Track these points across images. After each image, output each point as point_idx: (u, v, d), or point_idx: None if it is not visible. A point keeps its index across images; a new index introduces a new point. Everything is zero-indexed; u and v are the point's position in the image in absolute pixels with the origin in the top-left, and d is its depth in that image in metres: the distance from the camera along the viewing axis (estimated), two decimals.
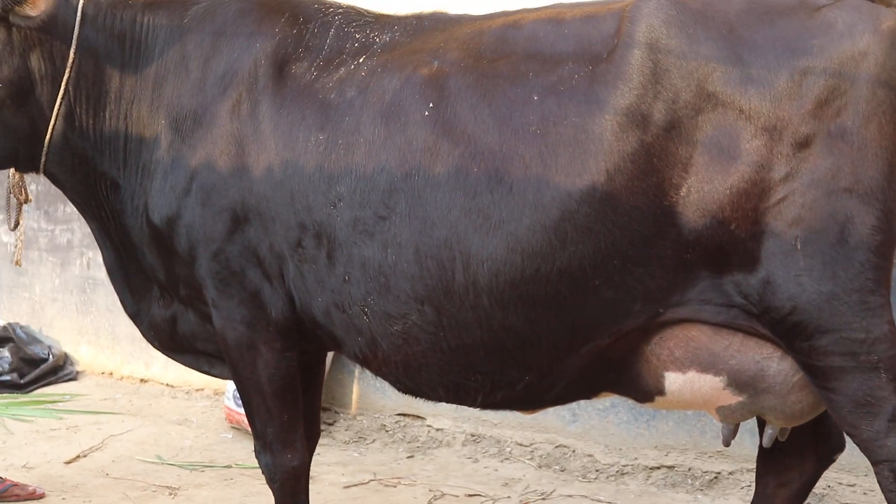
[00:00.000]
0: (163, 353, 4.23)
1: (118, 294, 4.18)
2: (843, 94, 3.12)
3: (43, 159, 3.89)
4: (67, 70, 3.81)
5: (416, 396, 3.75)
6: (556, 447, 5.99)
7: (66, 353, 8.01)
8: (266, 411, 3.85)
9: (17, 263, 4.95)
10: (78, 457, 6.17)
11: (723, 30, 3.23)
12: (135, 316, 4.15)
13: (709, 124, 3.18)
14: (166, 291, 3.99)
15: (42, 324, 8.24)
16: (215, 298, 3.75)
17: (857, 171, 3.11)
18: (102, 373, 7.94)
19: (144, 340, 7.29)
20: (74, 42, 3.82)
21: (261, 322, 3.71)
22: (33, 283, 8.24)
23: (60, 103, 3.82)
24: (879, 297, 3.14)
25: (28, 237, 8.04)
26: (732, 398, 3.39)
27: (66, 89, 3.82)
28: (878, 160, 3.13)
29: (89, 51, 3.84)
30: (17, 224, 4.68)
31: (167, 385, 7.59)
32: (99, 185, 3.94)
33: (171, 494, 5.56)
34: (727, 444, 3.69)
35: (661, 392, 3.42)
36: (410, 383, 3.64)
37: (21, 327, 8.09)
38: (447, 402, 3.70)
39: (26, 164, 3.95)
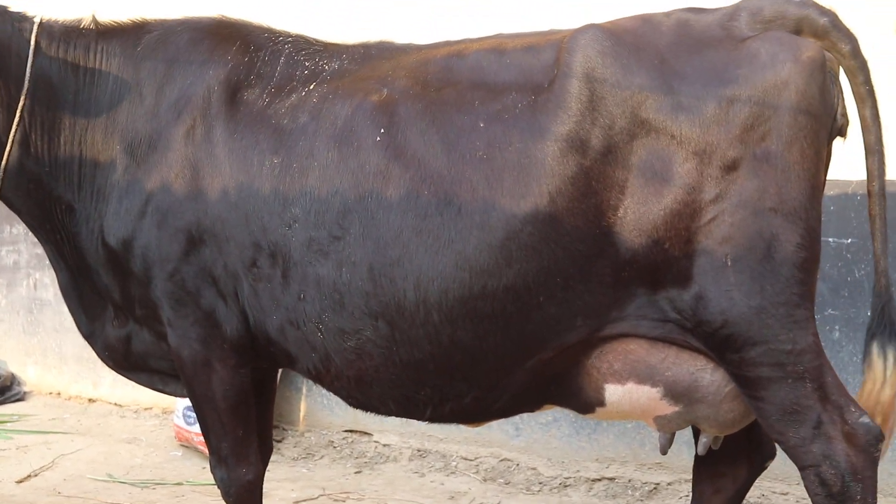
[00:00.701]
0: (117, 371, 4.30)
1: (72, 315, 4.27)
2: (766, 120, 3.30)
3: None
4: (22, 97, 3.91)
5: (367, 410, 3.87)
6: (501, 461, 6.13)
7: (13, 374, 8.03)
8: (221, 427, 3.96)
9: None
10: (29, 476, 6.22)
11: (655, 60, 3.40)
12: (89, 336, 4.24)
13: (643, 149, 3.35)
14: (121, 311, 4.08)
15: None
16: (171, 318, 3.86)
17: (781, 192, 3.29)
18: (50, 393, 7.98)
19: (91, 360, 7.40)
20: (28, 70, 3.92)
21: (215, 340, 3.83)
22: None
23: (16, 130, 3.92)
24: (804, 310, 3.32)
25: None
26: (669, 408, 3.55)
27: (20, 116, 3.92)
28: (801, 182, 3.31)
29: (43, 78, 3.95)
30: None
31: (115, 404, 7.64)
32: (54, 209, 4.03)
33: None
34: (664, 452, 3.85)
35: (602, 403, 3.58)
36: (362, 397, 3.77)
37: None
38: (397, 415, 3.83)
39: None
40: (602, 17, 3.71)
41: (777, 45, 3.37)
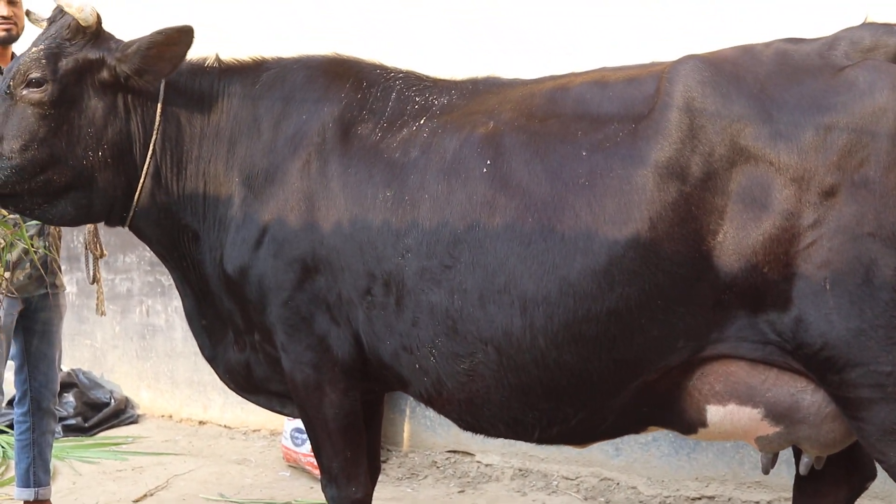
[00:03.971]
0: (238, 394, 4.51)
1: (196, 338, 4.49)
2: (864, 146, 3.36)
3: (131, 214, 4.24)
4: (155, 132, 4.18)
5: (477, 433, 4.01)
6: (601, 480, 6.22)
7: (126, 398, 8.31)
8: (331, 447, 4.14)
9: (101, 314, 5.27)
10: (145, 495, 6.46)
11: (754, 89, 3.50)
12: (212, 359, 4.46)
13: (742, 176, 3.44)
14: (240, 336, 4.29)
15: (104, 369, 8.54)
16: (284, 343, 4.05)
17: (879, 217, 3.34)
18: (162, 416, 8.23)
19: (202, 384, 7.69)
20: (160, 106, 4.19)
21: (327, 364, 4.01)
22: (94, 330, 8.55)
23: (149, 163, 4.18)
24: None
25: (89, 286, 8.36)
26: (770, 429, 3.63)
27: (153, 150, 4.18)
28: None
29: (172, 114, 4.21)
30: (95, 278, 5.03)
31: (225, 426, 7.87)
32: (182, 238, 4.28)
33: None
34: (766, 472, 3.91)
35: (704, 424, 3.67)
36: (472, 420, 3.91)
37: (84, 373, 8.38)
38: (506, 437, 3.96)
39: (115, 218, 4.30)
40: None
41: (875, 73, 3.43)
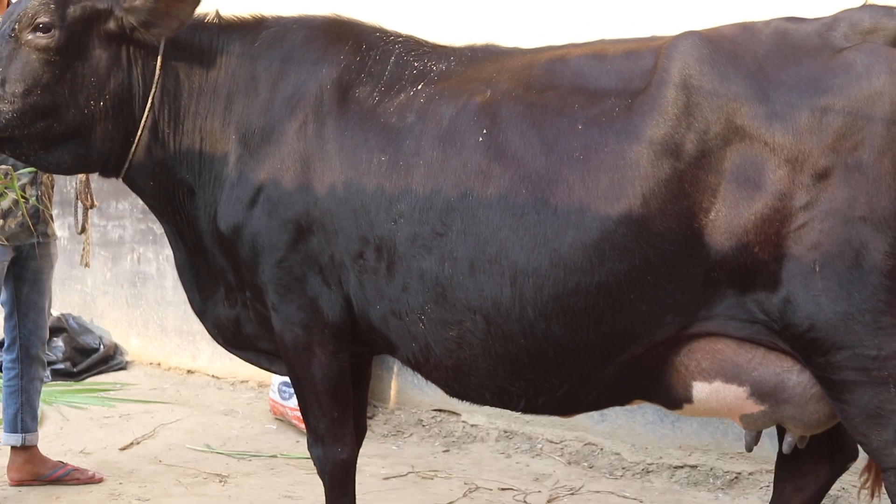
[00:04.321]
0: (226, 349, 4.52)
1: (186, 292, 4.49)
2: (859, 130, 3.35)
3: (126, 165, 4.22)
4: (154, 86, 4.15)
5: (464, 400, 4.02)
6: (585, 445, 6.27)
7: (116, 344, 8.36)
8: (319, 408, 4.15)
9: (86, 265, 5.28)
10: (132, 444, 6.52)
11: (751, 68, 3.48)
12: (201, 314, 4.46)
13: (736, 155, 3.43)
14: (231, 293, 4.30)
15: (93, 315, 8.58)
16: (276, 302, 4.05)
17: (871, 202, 3.33)
18: (150, 363, 8.28)
19: (191, 333, 7.71)
20: (160, 60, 4.16)
21: (317, 326, 4.02)
22: (85, 276, 8.56)
23: (147, 116, 4.16)
24: (891, 317, 3.36)
25: None
26: (755, 407, 3.64)
27: (152, 103, 4.16)
28: (891, 191, 3.35)
29: (171, 69, 4.18)
30: (83, 228, 5.03)
31: (213, 376, 7.92)
32: (176, 192, 4.26)
33: (220, 482, 5.90)
34: (749, 449, 3.94)
35: (689, 400, 3.68)
36: (459, 387, 3.92)
37: (73, 318, 8.42)
38: (492, 405, 3.96)
39: (111, 169, 4.28)
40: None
41: (873, 57, 3.41)
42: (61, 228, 8.38)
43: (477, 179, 3.66)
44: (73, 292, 8.70)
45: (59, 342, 7.97)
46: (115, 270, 8.43)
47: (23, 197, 5.26)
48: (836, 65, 3.44)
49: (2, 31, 4.04)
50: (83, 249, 5.30)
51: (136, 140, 4.17)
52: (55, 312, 8.42)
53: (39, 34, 3.98)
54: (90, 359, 8.03)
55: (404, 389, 6.93)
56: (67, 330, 8.16)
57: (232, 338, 4.42)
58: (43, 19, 3.97)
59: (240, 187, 4.06)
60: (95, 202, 5.11)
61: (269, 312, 4.13)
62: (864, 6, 3.62)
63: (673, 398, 3.72)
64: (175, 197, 4.27)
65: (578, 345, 3.62)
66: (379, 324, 3.92)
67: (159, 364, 8.23)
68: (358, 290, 3.91)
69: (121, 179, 4.32)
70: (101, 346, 8.16)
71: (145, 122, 4.16)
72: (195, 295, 4.45)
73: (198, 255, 4.35)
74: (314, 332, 4.03)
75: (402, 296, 3.81)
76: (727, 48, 3.55)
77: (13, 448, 5.78)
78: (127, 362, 8.30)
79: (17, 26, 4.00)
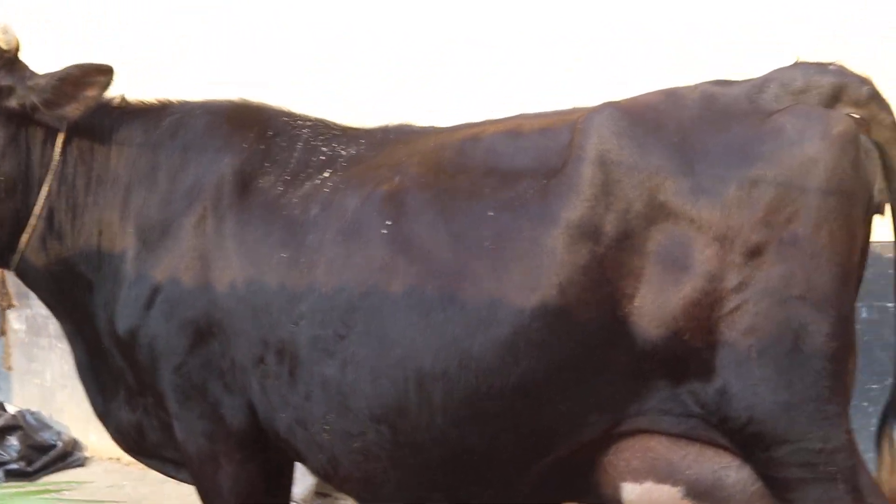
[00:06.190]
0: (130, 455, 4.24)
1: (87, 394, 4.21)
2: (793, 201, 3.10)
3: (17, 256, 3.95)
4: (51, 172, 3.91)
5: None
6: None
7: (75, 439, 8.08)
8: None
9: (7, 369, 5.00)
10: None
11: (675, 138, 3.22)
12: (104, 416, 4.17)
13: (661, 235, 3.16)
14: (133, 397, 4.00)
15: (52, 410, 8.32)
16: (176, 411, 3.77)
17: (810, 278, 3.09)
18: (110, 458, 7.98)
19: None
20: (60, 144, 3.92)
21: (221, 435, 3.72)
22: (44, 369, 8.31)
23: (43, 204, 3.90)
24: (836, 405, 3.12)
25: (38, 324, 8.14)
26: None
27: (49, 190, 3.90)
28: (832, 266, 3.11)
29: (71, 154, 3.94)
30: (2, 331, 4.76)
31: None
32: (74, 287, 3.98)
33: None
34: None
35: (619, 502, 3.39)
36: (372, 499, 3.63)
37: (31, 413, 8.16)
38: None
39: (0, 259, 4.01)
40: None
41: (805, 120, 3.16)
42: (19, 321, 8.14)
43: (381, 276, 3.39)
44: (32, 386, 8.45)
45: (13, 441, 7.71)
46: (73, 363, 8.15)
47: None
48: (766, 130, 3.20)
49: None
50: (4, 352, 5.02)
51: (32, 229, 3.91)
52: (13, 408, 8.17)
53: None
54: (47, 456, 7.76)
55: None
56: (24, 427, 7.89)
57: (135, 444, 4.13)
58: None
59: (137, 286, 3.79)
60: (14, 302, 4.84)
61: (171, 420, 3.84)
62: (796, 64, 3.37)
63: (602, 500, 3.43)
64: (73, 292, 4.00)
65: (496, 450, 3.35)
66: (285, 433, 3.63)
67: (119, 459, 7.92)
68: (261, 396, 3.63)
69: (13, 272, 4.06)
70: (60, 443, 7.89)
71: (42, 210, 3.90)
72: (97, 397, 4.17)
73: (99, 356, 4.07)
74: (218, 441, 3.74)
75: (305, 404, 3.52)
76: (648, 118, 3.30)
77: None
78: (86, 458, 8.02)
79: None
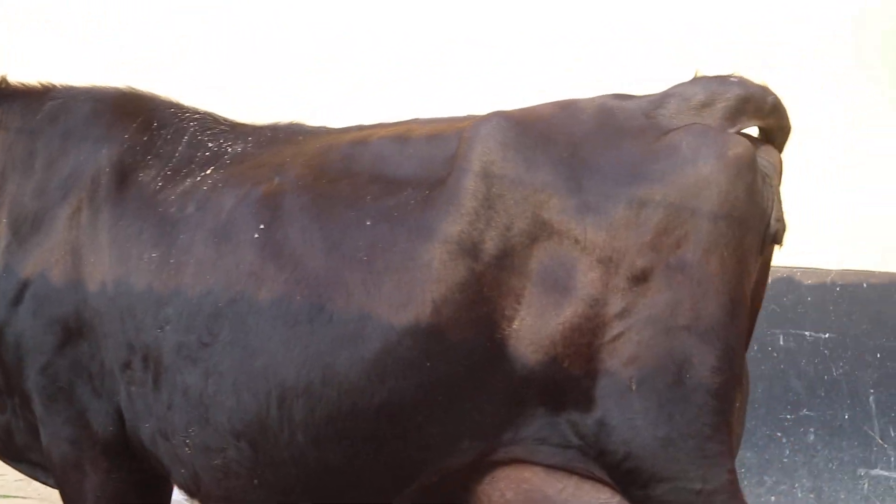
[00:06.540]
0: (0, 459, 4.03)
1: None
2: (682, 224, 2.97)
3: None
4: None
5: None
6: None
7: None
8: None
9: None
10: None
11: (564, 153, 3.07)
12: None
13: (543, 254, 3.02)
14: (1, 397, 3.79)
15: None
16: (42, 414, 3.58)
17: (696, 308, 2.95)
18: None
19: None
20: None
21: (87, 441, 3.53)
22: None
23: None
24: (718, 444, 2.98)
25: None
26: None
27: None
28: (720, 295, 2.97)
29: None
30: None
31: None
32: None
33: None
34: None
35: None
36: None
37: None
38: None
39: None
40: None
41: (700, 139, 3.02)
42: None
43: (248, 282, 3.22)
44: None
45: None
46: None
47: None
48: (660, 148, 3.06)
49: None
50: None
51: None
52: None
53: None
54: None
55: None
56: None
57: (3, 446, 3.92)
58: None
59: (5, 280, 3.60)
60: None
61: (37, 422, 3.65)
62: (696, 78, 3.23)
63: None
64: None
65: (358, 474, 3.19)
66: (149, 444, 3.45)
67: None
68: (128, 403, 3.45)
69: None
70: None
71: None
72: None
73: None
74: (84, 448, 3.54)
75: (167, 414, 3.35)
76: (538, 130, 3.14)
77: None
78: None
79: None
